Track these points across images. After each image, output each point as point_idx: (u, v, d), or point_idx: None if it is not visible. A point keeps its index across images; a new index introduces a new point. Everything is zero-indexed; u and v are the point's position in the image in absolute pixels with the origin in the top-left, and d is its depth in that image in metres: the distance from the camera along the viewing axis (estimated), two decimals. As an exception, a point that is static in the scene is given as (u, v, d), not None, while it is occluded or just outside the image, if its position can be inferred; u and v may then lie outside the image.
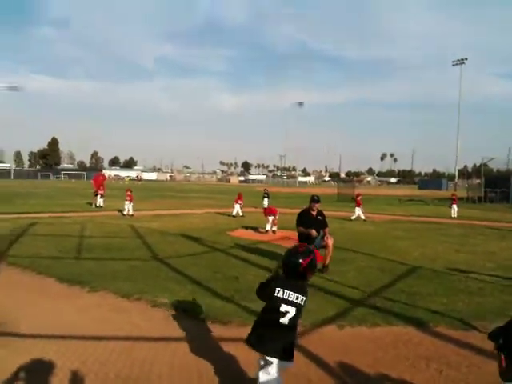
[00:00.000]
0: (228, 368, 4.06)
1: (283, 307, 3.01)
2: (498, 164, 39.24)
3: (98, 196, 23.43)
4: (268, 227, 14.80)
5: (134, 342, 4.68)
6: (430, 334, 4.98)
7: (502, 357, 2.07)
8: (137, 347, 4.53)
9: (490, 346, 4.59)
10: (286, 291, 3.04)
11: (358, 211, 19.54)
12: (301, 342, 4.70)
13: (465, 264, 9.08)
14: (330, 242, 8.56)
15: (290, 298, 3.02)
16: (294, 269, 3.09)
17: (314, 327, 5.13)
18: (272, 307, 3.06)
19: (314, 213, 8.79)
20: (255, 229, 15.17)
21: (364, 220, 19.02)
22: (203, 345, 4.62)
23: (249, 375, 3.88)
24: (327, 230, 8.74)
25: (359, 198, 20.10)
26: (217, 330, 5.03)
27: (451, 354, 4.40)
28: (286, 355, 3.04)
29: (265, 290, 3.14)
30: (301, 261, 3.11)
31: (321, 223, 8.75)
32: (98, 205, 23.02)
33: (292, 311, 3.02)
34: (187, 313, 5.55)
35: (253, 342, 3.11)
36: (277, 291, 3.04)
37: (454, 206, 22.09)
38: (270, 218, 14.83)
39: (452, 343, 4.70)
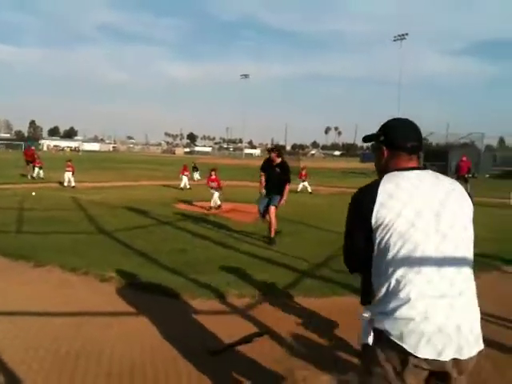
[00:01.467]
0: (177, 340, 4.09)
1: None
2: (437, 138, 40.75)
3: (36, 168, 22.48)
4: (213, 203, 13.55)
5: (83, 317, 4.61)
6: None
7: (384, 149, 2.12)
8: (86, 322, 4.46)
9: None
10: None
11: (302, 184, 19.82)
12: (252, 313, 4.81)
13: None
14: (272, 213, 8.50)
15: None
16: None
17: (266, 298, 5.24)
18: None
19: (274, 163, 8.75)
20: (202, 201, 15.12)
21: (310, 193, 19.36)
22: (154, 318, 4.61)
23: (200, 348, 3.93)
24: (287, 187, 8.65)
25: (304, 172, 20.35)
26: (166, 303, 5.04)
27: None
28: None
29: None
30: None
31: (278, 176, 8.64)
32: (35, 176, 22.06)
33: None
34: (136, 286, 5.51)
35: None
36: None
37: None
38: (216, 194, 13.64)
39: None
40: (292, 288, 5.61)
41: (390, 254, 1.89)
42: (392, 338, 1.82)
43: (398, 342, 1.80)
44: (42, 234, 8.60)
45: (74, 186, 18.36)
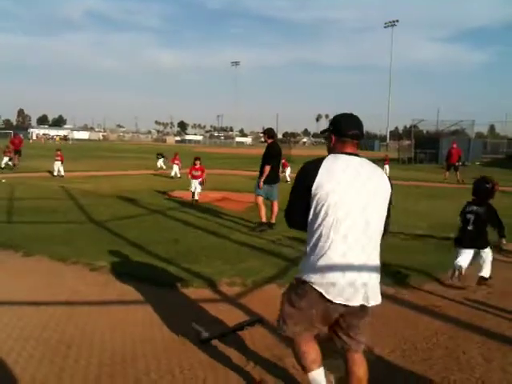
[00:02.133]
0: (169, 329, 4.09)
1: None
2: (428, 126, 40.75)
3: (6, 158, 22.19)
4: (197, 195, 12.15)
5: (74, 306, 4.60)
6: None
7: None
8: (77, 312, 4.45)
9: (422, 301, 4.91)
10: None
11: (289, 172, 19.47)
12: (243, 301, 4.82)
13: (397, 223, 9.49)
14: (276, 203, 8.67)
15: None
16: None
17: (256, 286, 5.25)
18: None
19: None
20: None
21: (287, 181, 19.11)
22: (145, 307, 4.61)
23: (190, 337, 3.94)
24: (265, 168, 8.50)
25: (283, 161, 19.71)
26: (158, 293, 5.03)
27: (387, 309, 4.64)
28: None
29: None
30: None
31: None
32: (3, 165, 21.75)
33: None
34: (127, 276, 5.48)
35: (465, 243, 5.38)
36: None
37: (386, 167, 22.90)
38: (198, 186, 12.19)
39: (387, 299, 4.94)
40: (284, 276, 5.62)
41: (321, 219, 2.39)
42: (315, 286, 2.38)
43: (319, 290, 2.37)
44: (31, 223, 8.54)
45: (63, 176, 18.22)
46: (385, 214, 2.54)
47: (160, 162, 24.25)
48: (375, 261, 2.50)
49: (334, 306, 2.40)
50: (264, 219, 8.53)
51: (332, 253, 2.36)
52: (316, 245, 2.41)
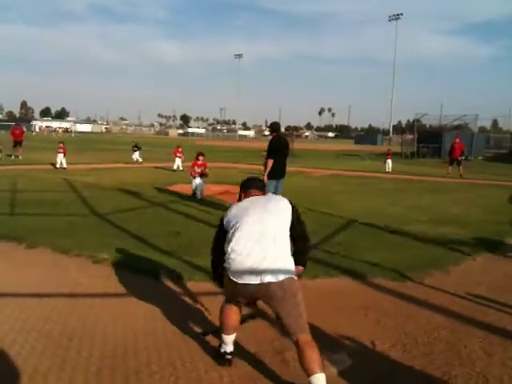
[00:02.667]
0: (170, 322, 4.11)
1: None
2: (431, 120, 40.55)
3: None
4: (198, 190, 11.60)
5: (76, 299, 4.62)
6: (367, 285, 5.24)
7: None
8: (79, 304, 4.47)
9: (423, 295, 4.92)
10: None
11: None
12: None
13: (399, 217, 9.52)
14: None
15: None
16: None
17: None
18: None
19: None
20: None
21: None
22: (146, 300, 4.62)
23: (192, 329, 3.95)
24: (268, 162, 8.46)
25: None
26: (159, 285, 5.05)
27: (388, 303, 4.66)
28: None
29: None
30: None
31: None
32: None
33: None
34: (129, 269, 5.50)
35: None
36: None
37: (389, 161, 22.88)
38: (201, 182, 11.66)
39: (388, 294, 4.97)
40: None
41: (231, 237, 3.27)
42: (230, 275, 3.17)
43: (231, 277, 3.15)
44: (33, 215, 8.56)
45: (65, 168, 18.24)
46: (281, 228, 3.28)
47: (136, 155, 23.27)
48: (271, 261, 3.10)
49: (241, 286, 3.14)
50: None
51: (235, 255, 3.20)
52: (229, 253, 3.28)
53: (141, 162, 22.90)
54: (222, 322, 3.44)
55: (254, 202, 3.48)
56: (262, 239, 3.17)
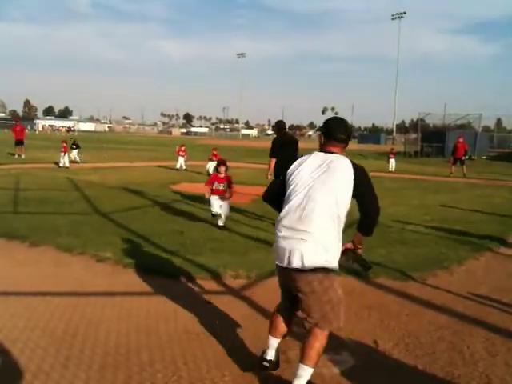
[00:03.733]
0: (173, 321, 4.11)
1: None
2: (435, 119, 40.40)
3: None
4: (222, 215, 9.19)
5: (80, 297, 4.63)
6: (370, 284, 5.23)
7: None
8: (82, 303, 4.48)
9: (427, 295, 4.90)
10: None
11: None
12: (247, 293, 4.83)
13: (402, 217, 9.50)
14: None
15: None
16: None
17: (260, 279, 5.26)
18: None
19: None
20: (198, 182, 15.06)
21: None
22: (149, 299, 4.64)
23: (193, 329, 3.96)
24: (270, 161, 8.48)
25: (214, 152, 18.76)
26: (162, 284, 5.05)
27: (391, 303, 4.66)
28: None
29: None
30: None
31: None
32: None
33: None
34: (132, 267, 5.51)
35: None
36: None
37: (392, 161, 22.81)
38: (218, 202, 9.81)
39: (392, 293, 4.96)
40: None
41: (287, 197, 2.98)
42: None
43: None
44: (37, 214, 8.58)
45: (68, 167, 18.27)
46: (333, 197, 2.87)
47: (74, 154, 21.14)
48: (311, 236, 2.81)
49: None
50: None
51: (280, 225, 2.98)
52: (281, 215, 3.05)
53: (80, 161, 20.84)
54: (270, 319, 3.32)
55: (315, 162, 3.03)
56: (307, 215, 2.86)
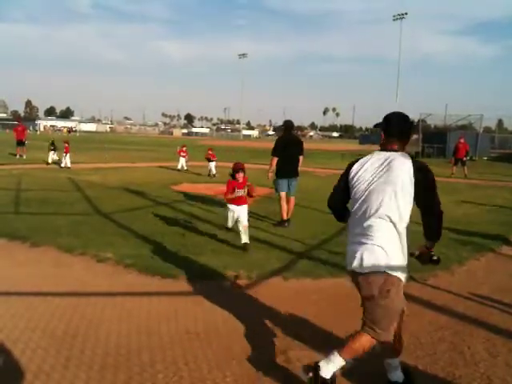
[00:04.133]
0: (174, 321, 4.11)
1: None
2: (436, 120, 40.34)
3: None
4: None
5: (80, 297, 4.63)
6: (370, 284, 5.22)
7: None
8: (83, 303, 4.48)
9: (428, 295, 4.89)
10: None
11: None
12: (248, 292, 4.83)
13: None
14: (293, 197, 8.60)
15: None
16: None
17: (261, 279, 5.26)
18: None
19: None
20: (199, 183, 15.08)
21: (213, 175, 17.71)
22: (150, 299, 4.64)
23: (194, 329, 3.96)
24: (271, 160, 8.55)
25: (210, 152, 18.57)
26: (164, 285, 5.05)
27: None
28: None
29: None
30: None
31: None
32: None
33: None
34: (133, 268, 5.51)
35: None
36: None
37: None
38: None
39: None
40: (289, 269, 5.63)
41: (351, 202, 2.99)
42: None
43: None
44: (38, 214, 8.58)
45: (69, 167, 18.28)
46: (395, 199, 2.79)
47: (51, 155, 20.45)
48: (376, 240, 2.82)
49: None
50: (285, 216, 8.37)
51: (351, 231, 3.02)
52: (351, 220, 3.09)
53: (58, 161, 19.82)
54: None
55: (378, 163, 2.93)
56: (372, 219, 2.85)
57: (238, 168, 6.81)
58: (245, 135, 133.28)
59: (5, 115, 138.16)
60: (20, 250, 6.18)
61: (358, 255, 2.85)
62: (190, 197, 11.73)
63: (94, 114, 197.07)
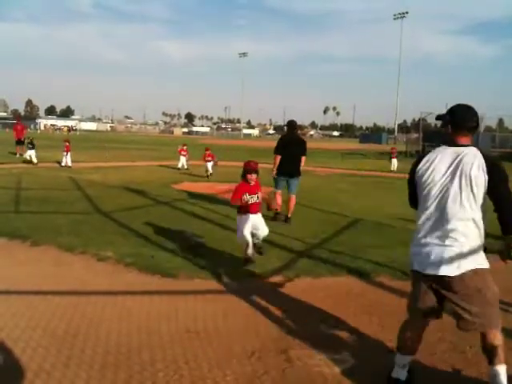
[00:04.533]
0: (174, 320, 4.11)
1: None
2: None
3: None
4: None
5: (81, 296, 4.63)
6: (371, 284, 5.23)
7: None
8: (83, 302, 4.48)
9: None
10: None
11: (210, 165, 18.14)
12: (247, 292, 4.83)
13: (404, 216, 9.44)
14: (294, 196, 8.68)
15: None
16: None
17: (262, 278, 5.26)
18: None
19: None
20: (200, 182, 15.08)
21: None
22: (150, 298, 4.63)
23: (195, 328, 3.95)
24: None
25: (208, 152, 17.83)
26: (164, 283, 5.05)
27: (392, 303, 4.64)
28: None
29: None
30: None
31: None
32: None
33: None
34: (134, 267, 5.51)
35: None
36: None
37: (394, 160, 22.78)
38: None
39: (393, 293, 4.95)
40: (289, 268, 5.62)
41: (421, 202, 2.94)
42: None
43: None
44: (38, 213, 8.58)
45: (70, 166, 18.28)
46: (469, 193, 2.74)
47: (29, 153, 19.45)
48: (452, 239, 2.79)
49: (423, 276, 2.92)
50: (278, 209, 8.39)
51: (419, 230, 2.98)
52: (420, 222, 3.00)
53: (36, 162, 18.99)
54: (398, 336, 3.14)
55: (447, 159, 2.85)
56: (445, 217, 2.80)
57: (250, 169, 5.72)
58: (245, 134, 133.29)
59: (5, 114, 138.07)
60: (20, 249, 6.17)
61: (440, 258, 2.77)
62: (190, 196, 11.73)
63: (95, 113, 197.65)
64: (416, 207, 3.07)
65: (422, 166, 2.91)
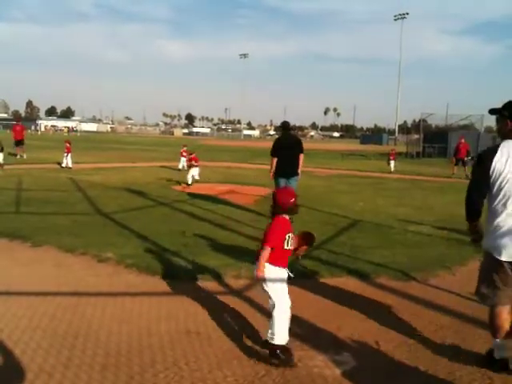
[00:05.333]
0: (174, 321, 4.11)
1: None
2: (437, 120, 40.27)
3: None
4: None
5: (81, 297, 4.63)
6: (371, 284, 5.23)
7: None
8: (84, 303, 4.48)
9: (429, 295, 4.88)
10: None
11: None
12: (248, 293, 4.82)
13: (404, 217, 9.48)
14: None
15: None
16: None
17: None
18: None
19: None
20: (200, 182, 15.05)
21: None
22: (151, 299, 4.63)
23: (195, 329, 3.95)
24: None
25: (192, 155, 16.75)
26: (164, 284, 5.05)
27: (392, 303, 4.64)
28: None
29: None
30: None
31: None
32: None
33: None
34: (134, 268, 5.51)
35: None
36: None
37: (392, 162, 22.71)
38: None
39: (393, 293, 4.95)
40: (289, 269, 5.60)
41: (499, 197, 3.06)
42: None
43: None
44: (39, 214, 8.59)
45: (70, 167, 18.28)
46: None
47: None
48: None
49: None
50: None
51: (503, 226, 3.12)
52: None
53: (2, 165, 17.66)
54: (490, 323, 3.37)
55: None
56: None
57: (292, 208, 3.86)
58: (246, 135, 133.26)
59: (5, 115, 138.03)
60: (21, 250, 6.18)
61: None
62: (191, 197, 11.73)
63: (95, 114, 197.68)
64: (478, 201, 3.22)
65: (498, 160, 3.04)
